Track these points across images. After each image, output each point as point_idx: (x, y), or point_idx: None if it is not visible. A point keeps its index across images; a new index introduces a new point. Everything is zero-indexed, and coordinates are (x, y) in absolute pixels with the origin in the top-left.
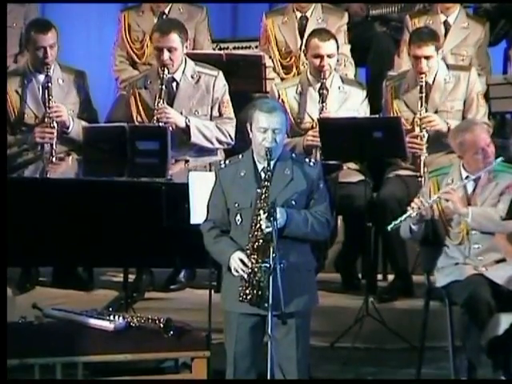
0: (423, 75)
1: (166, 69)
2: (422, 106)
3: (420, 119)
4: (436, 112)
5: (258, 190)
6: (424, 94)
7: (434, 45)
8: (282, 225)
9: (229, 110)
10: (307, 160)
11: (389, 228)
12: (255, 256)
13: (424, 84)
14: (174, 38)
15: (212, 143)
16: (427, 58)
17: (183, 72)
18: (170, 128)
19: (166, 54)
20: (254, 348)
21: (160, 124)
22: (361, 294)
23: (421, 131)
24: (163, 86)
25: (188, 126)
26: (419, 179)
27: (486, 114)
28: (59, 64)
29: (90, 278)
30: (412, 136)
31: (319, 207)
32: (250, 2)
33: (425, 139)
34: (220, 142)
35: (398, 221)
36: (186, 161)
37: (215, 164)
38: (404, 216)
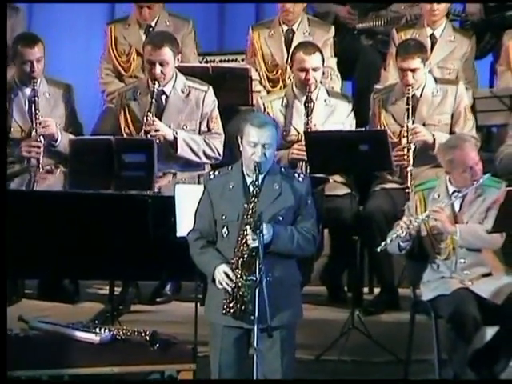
0: (409, 87)
1: (156, 82)
2: (408, 117)
3: (407, 131)
4: (423, 125)
5: (246, 206)
6: (411, 106)
7: (421, 57)
8: (268, 241)
9: (217, 126)
10: (296, 175)
11: (378, 249)
12: (240, 270)
13: (411, 96)
14: (167, 52)
15: (199, 157)
16: (413, 70)
17: (173, 86)
18: (158, 141)
19: (158, 68)
20: (239, 360)
21: (147, 136)
22: (347, 307)
23: (407, 143)
24: (153, 100)
25: (175, 139)
26: (406, 190)
27: (474, 128)
28: (46, 78)
29: (76, 291)
30: (399, 149)
31: (306, 223)
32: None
33: (411, 151)
34: (207, 156)
35: (387, 241)
36: (174, 174)
37: (204, 175)
38: (393, 236)
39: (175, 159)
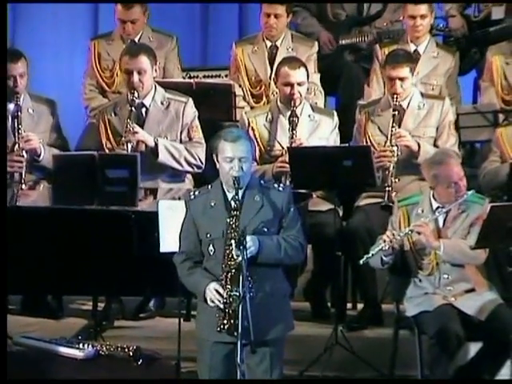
0: (397, 95)
1: (135, 91)
2: (394, 122)
3: (391, 135)
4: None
5: (228, 220)
6: (397, 113)
7: (409, 67)
8: (255, 252)
9: (198, 135)
10: (276, 185)
11: (361, 262)
12: (229, 285)
13: (397, 104)
14: (143, 60)
15: (181, 164)
16: (402, 79)
17: (153, 98)
18: (142, 148)
19: (136, 77)
20: (228, 376)
21: (126, 147)
22: (330, 323)
23: (391, 145)
24: (132, 108)
25: (156, 145)
26: (387, 188)
27: (457, 144)
28: (29, 93)
29: (60, 307)
30: (382, 150)
31: (291, 231)
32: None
33: (395, 154)
34: (189, 163)
35: (369, 254)
36: (155, 194)
37: (185, 195)
38: (376, 249)
39: (159, 169)
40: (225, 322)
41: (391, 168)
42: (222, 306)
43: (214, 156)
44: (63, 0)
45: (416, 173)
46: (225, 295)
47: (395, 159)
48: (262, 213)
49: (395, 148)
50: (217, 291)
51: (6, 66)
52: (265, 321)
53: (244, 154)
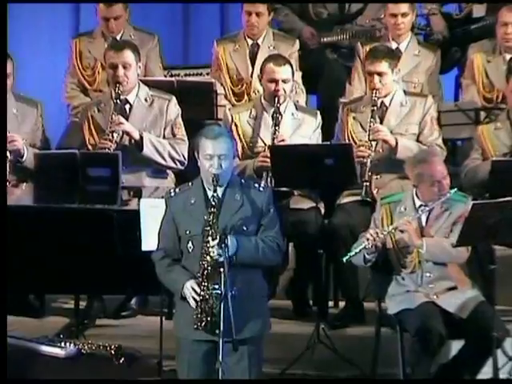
0: (376, 91)
1: (120, 85)
2: (372, 117)
3: (369, 130)
4: (391, 133)
5: (206, 217)
6: (376, 108)
7: (388, 62)
8: (233, 252)
9: (181, 132)
10: (257, 185)
11: (344, 259)
12: (205, 283)
13: (377, 99)
14: (129, 54)
15: (164, 159)
16: (380, 74)
17: (137, 95)
18: (125, 141)
19: (121, 70)
20: (207, 375)
21: (113, 135)
22: (312, 321)
23: (369, 140)
24: (117, 101)
25: (141, 138)
26: (364, 183)
27: (440, 138)
28: (14, 94)
29: (41, 305)
30: (359, 145)
31: (270, 232)
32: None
33: (372, 148)
34: (173, 158)
35: (353, 252)
36: (139, 196)
37: (165, 193)
38: (359, 248)
39: (142, 164)
40: (202, 319)
41: (368, 163)
42: (198, 304)
43: (196, 153)
44: (59, 0)
45: (397, 171)
46: (201, 292)
47: (372, 154)
48: (242, 211)
49: (373, 143)
50: (193, 289)
51: (5, 67)
52: (241, 320)
53: (224, 151)
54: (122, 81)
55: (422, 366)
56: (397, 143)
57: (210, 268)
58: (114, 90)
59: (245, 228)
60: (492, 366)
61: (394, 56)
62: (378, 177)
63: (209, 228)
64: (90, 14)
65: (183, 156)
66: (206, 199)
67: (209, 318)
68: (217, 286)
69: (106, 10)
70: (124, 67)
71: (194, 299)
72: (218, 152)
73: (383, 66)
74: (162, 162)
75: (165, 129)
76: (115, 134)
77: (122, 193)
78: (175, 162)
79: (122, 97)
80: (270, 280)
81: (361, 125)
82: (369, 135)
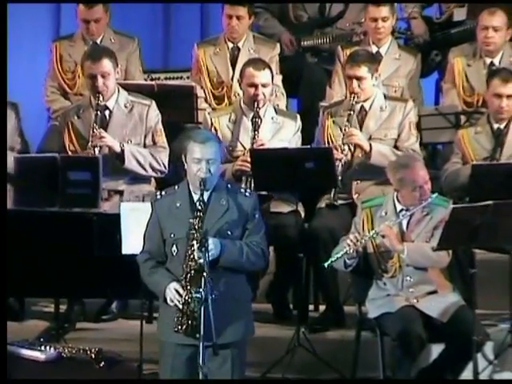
0: (355, 95)
1: (100, 95)
2: (348, 121)
3: (343, 134)
4: (370, 138)
5: (191, 220)
6: (353, 113)
7: (367, 66)
8: (217, 255)
9: (162, 139)
10: (243, 190)
11: (325, 265)
12: (188, 286)
13: (355, 103)
14: (106, 64)
15: (145, 170)
16: (359, 78)
17: (116, 101)
18: (106, 151)
19: (101, 80)
20: (190, 379)
21: (93, 152)
22: (292, 325)
23: (342, 143)
24: (98, 112)
25: (122, 151)
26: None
27: (417, 143)
28: None
29: (21, 309)
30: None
31: (254, 237)
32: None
33: (345, 152)
34: (153, 169)
35: (334, 258)
36: (120, 193)
37: (151, 195)
38: (341, 253)
39: (122, 173)
40: (182, 322)
41: (339, 167)
42: (180, 306)
43: (183, 156)
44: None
45: (374, 177)
46: (184, 296)
47: (344, 158)
48: (227, 216)
49: (346, 146)
50: (177, 291)
51: (5, 67)
52: (225, 324)
53: (212, 155)
54: (101, 90)
55: (402, 369)
56: (371, 149)
57: (193, 272)
58: (95, 99)
59: (229, 233)
60: (472, 370)
61: (374, 61)
62: (358, 181)
63: (194, 232)
64: (70, 17)
65: (164, 165)
66: (191, 203)
67: (190, 322)
68: (200, 290)
69: (86, 11)
70: (103, 76)
71: (178, 301)
72: (207, 156)
73: (362, 70)
74: (143, 172)
75: (145, 136)
76: (97, 149)
77: (103, 193)
78: (156, 172)
79: (102, 102)
80: (250, 284)
81: (340, 129)
82: (343, 139)
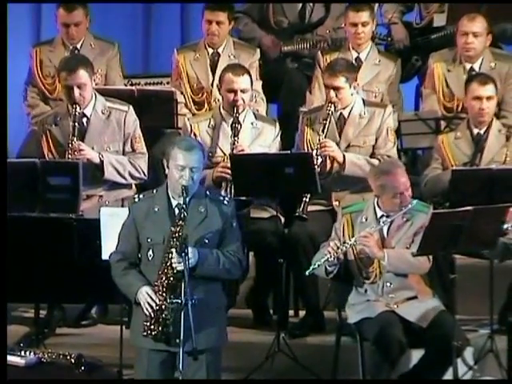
0: (331, 104)
1: (77, 106)
2: (322, 131)
3: (318, 143)
4: (348, 146)
5: (172, 228)
6: (328, 122)
7: (345, 76)
8: (194, 264)
9: (141, 145)
10: (222, 198)
11: (307, 273)
12: (164, 293)
13: (330, 113)
14: (82, 75)
15: (125, 178)
16: (336, 88)
17: (93, 108)
18: (84, 160)
19: (77, 91)
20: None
21: (71, 159)
22: (272, 330)
23: (316, 155)
24: (75, 124)
25: (102, 162)
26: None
27: (394, 149)
28: None
29: None
30: None
31: (231, 246)
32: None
33: (318, 162)
34: (133, 177)
35: (315, 265)
36: (100, 196)
37: (129, 198)
38: (322, 260)
39: (101, 181)
40: (152, 327)
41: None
42: (151, 312)
43: (165, 161)
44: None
45: (351, 187)
46: (157, 301)
47: (317, 169)
48: (205, 224)
49: (319, 158)
50: (149, 296)
51: (5, 66)
52: (199, 330)
53: (196, 163)
54: (78, 101)
55: (382, 374)
56: (344, 160)
57: (171, 279)
58: (72, 110)
59: (207, 241)
60: (452, 375)
61: (352, 70)
62: (337, 190)
63: (174, 240)
64: (51, 21)
65: (143, 172)
66: (169, 208)
67: (160, 328)
68: (178, 297)
69: (66, 15)
70: (79, 87)
71: (150, 305)
72: (191, 164)
73: (340, 80)
74: (123, 181)
75: (124, 143)
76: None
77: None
78: (135, 179)
79: (79, 112)
80: (230, 289)
81: (319, 135)
82: (316, 149)
